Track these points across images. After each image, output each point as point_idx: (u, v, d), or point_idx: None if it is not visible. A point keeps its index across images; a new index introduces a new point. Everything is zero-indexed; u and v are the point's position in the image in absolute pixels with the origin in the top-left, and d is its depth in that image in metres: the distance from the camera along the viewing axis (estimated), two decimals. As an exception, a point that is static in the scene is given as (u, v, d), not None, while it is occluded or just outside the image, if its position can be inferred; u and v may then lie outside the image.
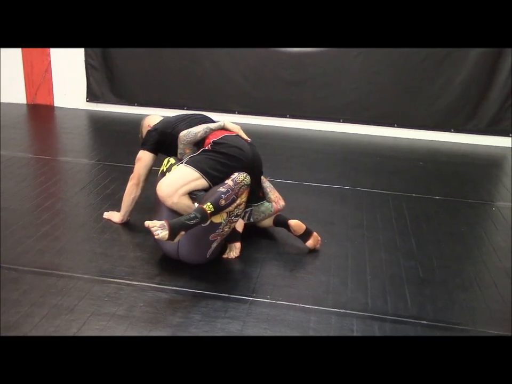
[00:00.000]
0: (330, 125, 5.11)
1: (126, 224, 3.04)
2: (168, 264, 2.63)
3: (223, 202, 2.44)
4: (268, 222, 2.94)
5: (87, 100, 5.46)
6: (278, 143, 4.73)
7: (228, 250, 2.75)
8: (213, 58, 5.12)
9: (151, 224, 2.34)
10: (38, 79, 5.45)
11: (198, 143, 2.78)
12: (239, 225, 2.80)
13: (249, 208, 2.88)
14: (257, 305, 2.35)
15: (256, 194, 2.91)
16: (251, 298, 2.39)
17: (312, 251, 2.84)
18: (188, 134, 2.78)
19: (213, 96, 5.23)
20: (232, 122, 2.91)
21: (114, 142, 4.57)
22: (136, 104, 5.37)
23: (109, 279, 2.48)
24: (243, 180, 2.52)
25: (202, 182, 2.60)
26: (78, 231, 2.96)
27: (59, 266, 2.57)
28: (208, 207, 2.41)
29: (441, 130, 4.92)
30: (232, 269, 2.67)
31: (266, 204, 2.91)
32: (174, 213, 2.57)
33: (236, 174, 2.54)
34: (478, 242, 3.07)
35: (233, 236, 2.75)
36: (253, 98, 5.18)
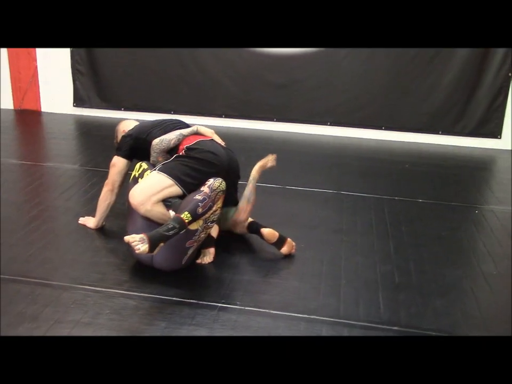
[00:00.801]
0: (318, 128, 5.07)
1: (101, 230, 3.00)
2: (139, 270, 2.60)
3: (200, 210, 2.41)
4: (243, 229, 2.90)
5: (74, 104, 5.44)
6: (264, 147, 4.66)
7: (201, 256, 2.71)
8: (199, 62, 5.10)
9: (131, 239, 2.29)
10: (25, 84, 5.44)
11: (171, 150, 2.75)
12: (214, 231, 2.77)
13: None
14: (226, 312, 2.31)
15: (233, 197, 2.87)
16: (220, 305, 2.35)
17: (288, 256, 2.80)
18: (161, 142, 2.74)
19: (199, 100, 5.20)
20: (205, 126, 2.89)
21: (99, 146, 4.53)
22: (122, 109, 5.34)
23: (77, 286, 2.45)
24: (219, 186, 2.48)
25: (175, 189, 2.56)
26: (51, 237, 2.92)
27: (28, 273, 2.54)
28: (185, 216, 2.38)
29: (429, 132, 4.87)
30: (204, 274, 2.63)
31: (231, 211, 2.83)
32: (148, 220, 2.54)
33: (212, 180, 2.50)
34: (457, 246, 3.02)
35: (207, 241, 2.71)
36: (240, 102, 5.15)
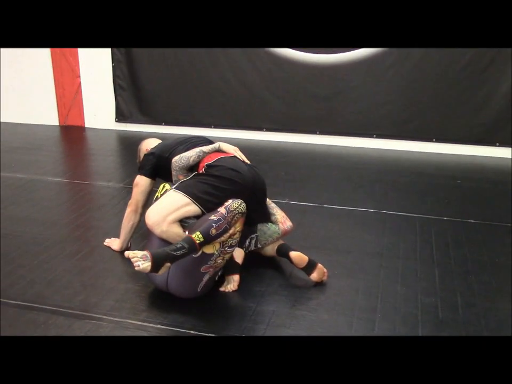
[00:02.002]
0: (363, 140, 4.81)
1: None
2: (158, 298, 2.45)
3: (214, 231, 2.24)
4: (272, 251, 2.71)
5: (116, 120, 5.44)
6: (304, 161, 4.49)
7: (225, 283, 2.54)
8: (240, 76, 4.97)
9: (131, 254, 2.18)
10: (69, 100, 5.50)
11: (192, 168, 2.61)
12: (239, 256, 2.58)
13: (254, 235, 2.66)
14: (245, 349, 2.11)
15: (264, 215, 2.70)
16: (239, 340, 2.16)
17: (319, 284, 2.57)
18: (180, 159, 2.61)
19: (239, 114, 5.07)
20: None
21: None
22: (163, 124, 5.29)
23: (91, 315, 2.32)
24: (237, 207, 2.30)
25: (193, 208, 2.41)
26: (75, 260, 2.83)
27: (45, 300, 2.44)
28: (197, 236, 2.22)
29: (485, 144, 4.51)
30: (226, 304, 2.45)
31: (273, 227, 2.69)
32: (165, 242, 2.39)
33: (230, 201, 2.33)
34: (514, 275, 2.69)
35: (232, 267, 2.53)
36: (281, 115, 4.98)
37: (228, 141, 2.80)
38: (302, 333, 2.21)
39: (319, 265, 2.55)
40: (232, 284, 2.53)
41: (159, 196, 2.56)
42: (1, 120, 5.67)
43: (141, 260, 2.15)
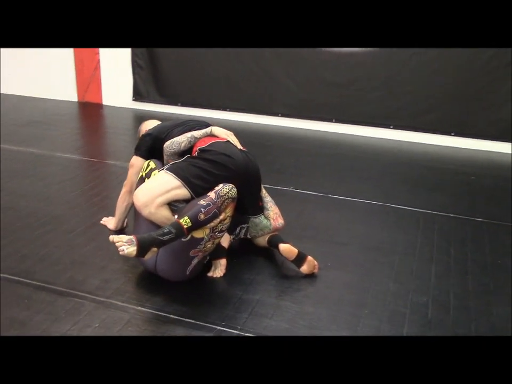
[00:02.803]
0: (379, 131, 4.69)
1: (120, 232, 2.88)
2: (145, 280, 2.44)
3: (202, 216, 2.21)
4: (264, 242, 2.66)
5: (133, 98, 5.44)
6: (315, 149, 4.41)
7: (212, 268, 2.51)
8: (257, 60, 4.90)
9: (116, 238, 2.15)
10: (88, 77, 5.51)
11: (184, 152, 2.56)
12: (225, 241, 2.55)
13: (245, 225, 2.62)
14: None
15: (254, 206, 2.65)
16: (218, 327, 2.13)
17: (310, 276, 2.52)
18: (172, 144, 2.57)
19: (256, 98, 5.00)
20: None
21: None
22: (179, 104, 5.27)
23: (75, 292, 2.32)
24: (227, 192, 2.26)
25: (183, 192, 2.37)
26: (70, 236, 2.83)
27: (33, 275, 2.46)
28: (185, 221, 2.19)
29: (505, 141, 4.33)
30: (212, 290, 2.42)
31: (265, 221, 2.63)
32: (153, 224, 2.37)
33: (221, 185, 2.29)
34: (514, 278, 2.58)
35: (218, 252, 2.50)
36: (298, 101, 4.89)
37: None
38: (283, 324, 2.16)
39: (309, 258, 2.49)
40: (219, 268, 2.50)
41: (143, 175, 2.52)
42: (20, 94, 5.74)
43: (125, 244, 2.13)
